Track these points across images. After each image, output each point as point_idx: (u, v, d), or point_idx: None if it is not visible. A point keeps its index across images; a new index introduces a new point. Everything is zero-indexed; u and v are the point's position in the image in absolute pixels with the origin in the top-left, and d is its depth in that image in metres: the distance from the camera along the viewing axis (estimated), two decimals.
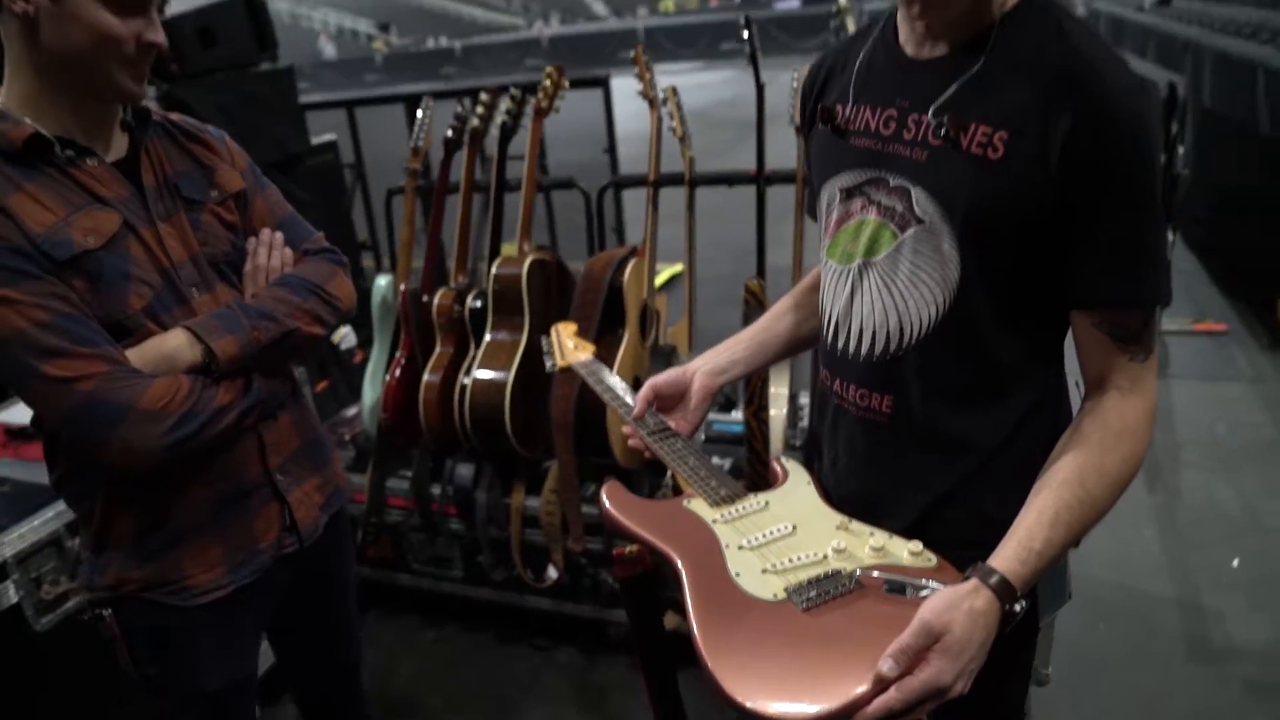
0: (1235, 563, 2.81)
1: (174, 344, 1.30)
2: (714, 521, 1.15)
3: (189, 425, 1.27)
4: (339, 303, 1.49)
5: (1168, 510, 3.12)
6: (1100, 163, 0.97)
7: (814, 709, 0.87)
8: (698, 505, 1.18)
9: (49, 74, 1.25)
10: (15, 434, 2.31)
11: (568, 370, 1.58)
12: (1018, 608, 0.95)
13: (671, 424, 1.33)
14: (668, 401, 1.36)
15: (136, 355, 1.27)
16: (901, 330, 1.13)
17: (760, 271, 2.69)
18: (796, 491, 1.22)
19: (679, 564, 1.08)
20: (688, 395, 1.35)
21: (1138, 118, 0.97)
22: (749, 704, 0.89)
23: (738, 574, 1.05)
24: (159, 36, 1.29)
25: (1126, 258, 1.01)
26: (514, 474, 2.64)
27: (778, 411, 2.48)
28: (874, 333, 1.15)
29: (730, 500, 1.18)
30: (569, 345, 1.62)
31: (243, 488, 1.43)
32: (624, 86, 3.54)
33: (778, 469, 1.28)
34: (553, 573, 2.59)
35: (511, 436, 2.46)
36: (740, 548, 1.09)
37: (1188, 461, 3.39)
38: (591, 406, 2.41)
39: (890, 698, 0.87)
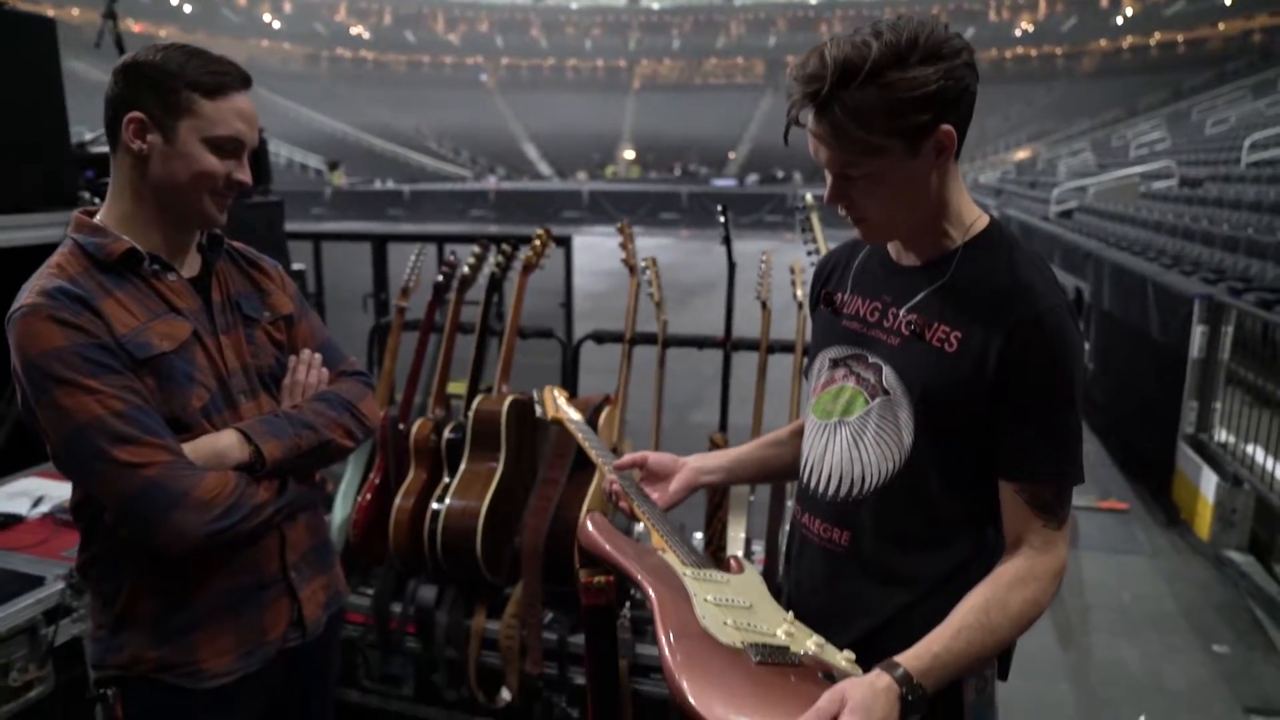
0: (1141, 719, 3.02)
1: (226, 443, 1.45)
2: (684, 574, 1.32)
3: (232, 517, 1.40)
4: (368, 421, 1.66)
5: (1080, 669, 3.36)
6: (1027, 365, 1.23)
7: None
8: (670, 558, 1.36)
9: (148, 200, 1.46)
10: None
11: (557, 421, 1.75)
12: (912, 697, 1.13)
13: (653, 495, 1.52)
14: (652, 477, 1.57)
15: (191, 449, 1.41)
16: (863, 478, 1.36)
17: (723, 426, 2.94)
18: (752, 582, 1.40)
19: (651, 594, 1.25)
20: (671, 479, 1.55)
21: (1059, 332, 1.23)
22: (705, 713, 1.06)
23: (703, 616, 1.22)
24: (246, 176, 1.50)
25: (1044, 441, 1.25)
26: (476, 597, 2.74)
27: (735, 553, 2.66)
28: (840, 478, 1.38)
29: (698, 566, 1.36)
30: (561, 403, 1.79)
31: (261, 581, 1.55)
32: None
33: (733, 564, 1.45)
34: (506, 695, 2.66)
35: (481, 560, 2.58)
36: (706, 600, 1.27)
37: (1097, 626, 3.67)
38: (561, 537, 2.56)
39: None
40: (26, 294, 1.37)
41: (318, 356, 1.67)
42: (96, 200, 3.00)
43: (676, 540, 1.40)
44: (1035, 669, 3.30)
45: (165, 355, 1.42)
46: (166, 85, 1.40)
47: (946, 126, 1.19)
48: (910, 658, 1.17)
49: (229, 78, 1.44)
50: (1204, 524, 4.47)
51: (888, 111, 1.16)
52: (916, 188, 1.25)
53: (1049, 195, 14.84)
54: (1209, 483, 4.49)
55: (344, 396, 1.63)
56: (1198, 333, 4.86)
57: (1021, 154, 33.94)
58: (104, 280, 1.41)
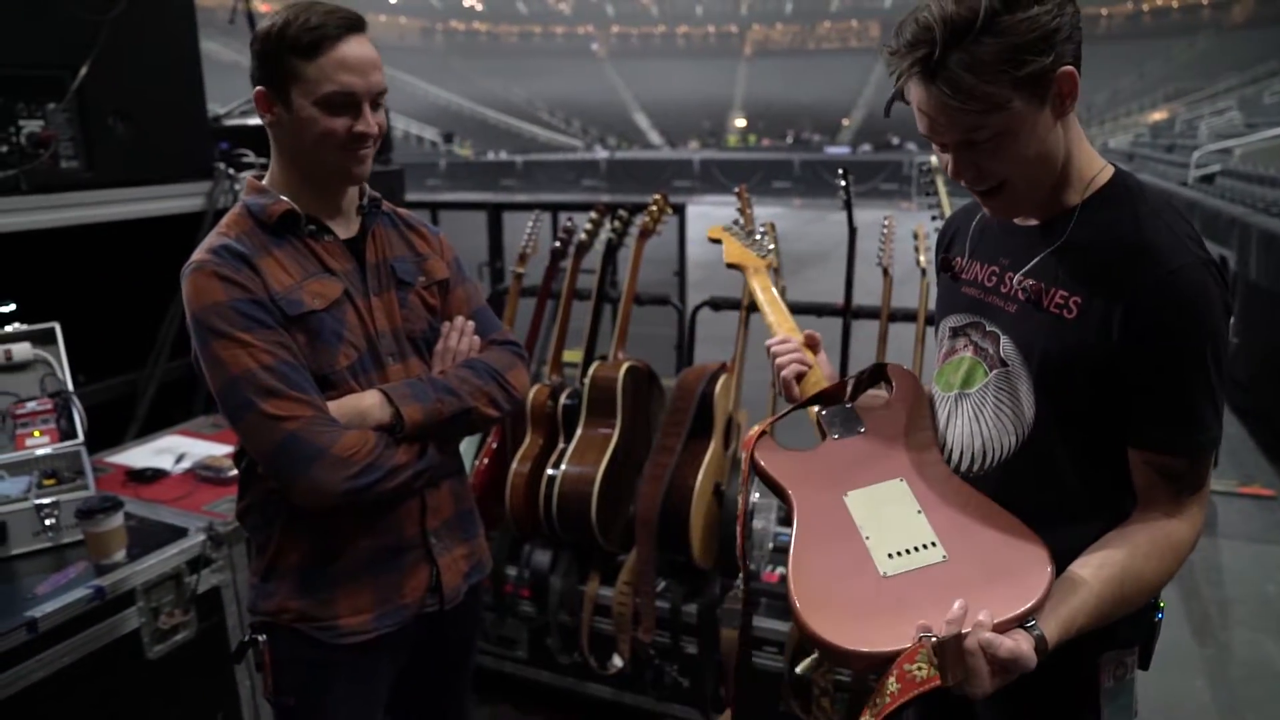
0: None
1: (369, 403, 1.48)
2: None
3: (368, 476, 1.43)
4: (515, 391, 1.65)
5: (1219, 664, 3.17)
6: (1152, 331, 1.14)
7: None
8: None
9: (292, 165, 1.51)
10: (135, 476, 2.47)
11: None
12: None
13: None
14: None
15: (335, 407, 1.45)
16: (984, 453, 1.30)
17: None
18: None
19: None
20: None
21: (1190, 293, 1.13)
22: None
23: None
24: (366, 126, 1.46)
25: (1172, 412, 1.16)
26: (590, 563, 2.77)
27: None
28: (962, 453, 1.33)
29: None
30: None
31: (400, 544, 1.57)
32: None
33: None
34: (618, 661, 2.69)
35: (595, 527, 2.61)
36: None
37: (1238, 619, 3.45)
38: (675, 506, 2.56)
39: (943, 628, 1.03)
40: (198, 251, 1.45)
41: (470, 324, 1.67)
42: (231, 170, 3.14)
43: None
44: (1168, 663, 3.12)
45: (315, 313, 1.47)
46: (271, 54, 1.42)
47: (1067, 68, 1.12)
48: (1050, 629, 1.10)
49: (324, 29, 1.40)
50: None
51: (1008, 60, 1.08)
52: (1046, 141, 1.17)
53: (1188, 159, 13.90)
54: None
55: (491, 365, 1.63)
56: None
57: (1157, 115, 31.88)
58: (266, 240, 1.48)
